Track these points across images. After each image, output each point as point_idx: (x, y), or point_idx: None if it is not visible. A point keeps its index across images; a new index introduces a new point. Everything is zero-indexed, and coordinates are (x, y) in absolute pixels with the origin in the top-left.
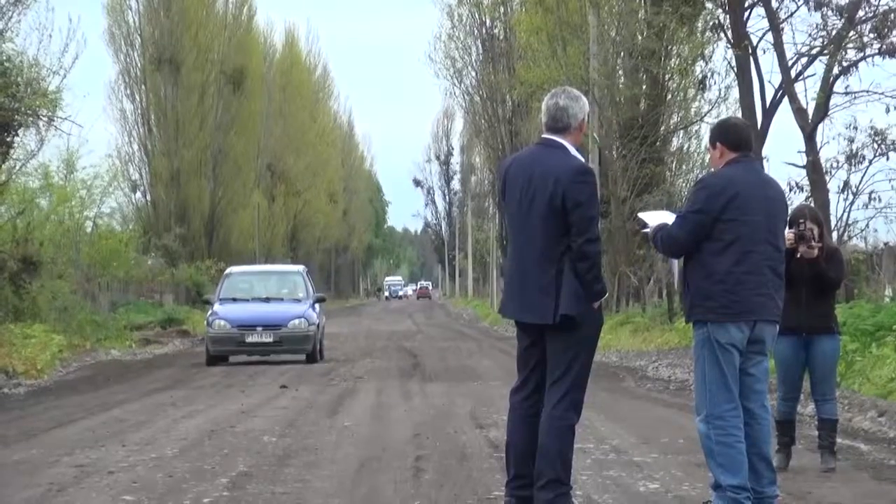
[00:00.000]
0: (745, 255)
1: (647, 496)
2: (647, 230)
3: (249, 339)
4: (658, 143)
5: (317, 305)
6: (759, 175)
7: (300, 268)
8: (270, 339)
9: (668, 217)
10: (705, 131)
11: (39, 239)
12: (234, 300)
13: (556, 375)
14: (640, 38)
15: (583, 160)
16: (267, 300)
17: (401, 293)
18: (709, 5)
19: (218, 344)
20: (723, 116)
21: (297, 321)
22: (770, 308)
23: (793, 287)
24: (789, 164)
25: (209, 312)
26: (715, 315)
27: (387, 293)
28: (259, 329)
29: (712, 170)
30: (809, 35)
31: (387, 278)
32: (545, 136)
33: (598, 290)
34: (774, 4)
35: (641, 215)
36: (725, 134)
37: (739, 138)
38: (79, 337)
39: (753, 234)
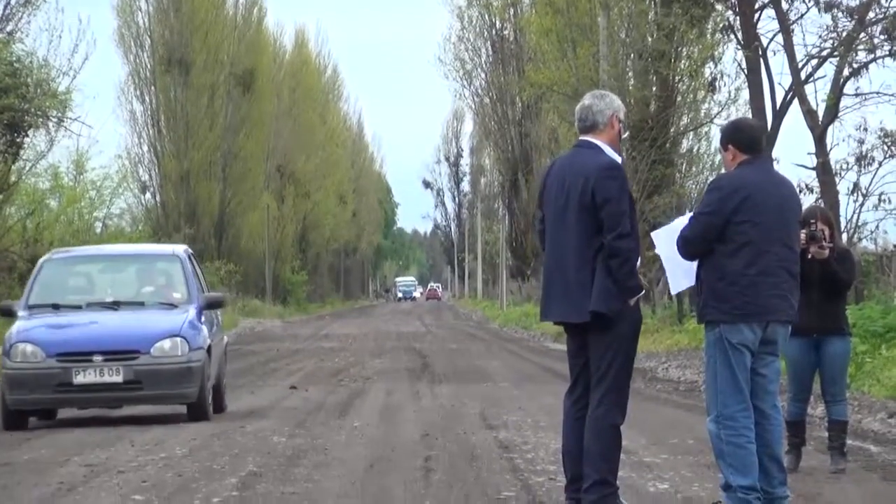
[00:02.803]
0: (758, 256)
1: (656, 497)
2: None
3: (80, 380)
4: (668, 145)
5: (214, 314)
6: (772, 175)
7: (178, 249)
8: (119, 379)
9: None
10: (715, 133)
11: (49, 239)
12: (55, 308)
13: (597, 376)
14: (650, 39)
15: (615, 158)
16: (115, 306)
17: (414, 294)
18: (719, 7)
19: (21, 389)
20: (733, 118)
21: (167, 343)
22: (784, 309)
23: (804, 288)
24: (799, 165)
25: (8, 333)
26: (727, 316)
27: (400, 294)
28: (98, 360)
29: (723, 171)
30: (820, 37)
31: (397, 278)
32: (580, 138)
33: (633, 287)
34: (785, 6)
35: (654, 235)
36: (737, 135)
37: (751, 139)
38: None
39: (767, 235)
